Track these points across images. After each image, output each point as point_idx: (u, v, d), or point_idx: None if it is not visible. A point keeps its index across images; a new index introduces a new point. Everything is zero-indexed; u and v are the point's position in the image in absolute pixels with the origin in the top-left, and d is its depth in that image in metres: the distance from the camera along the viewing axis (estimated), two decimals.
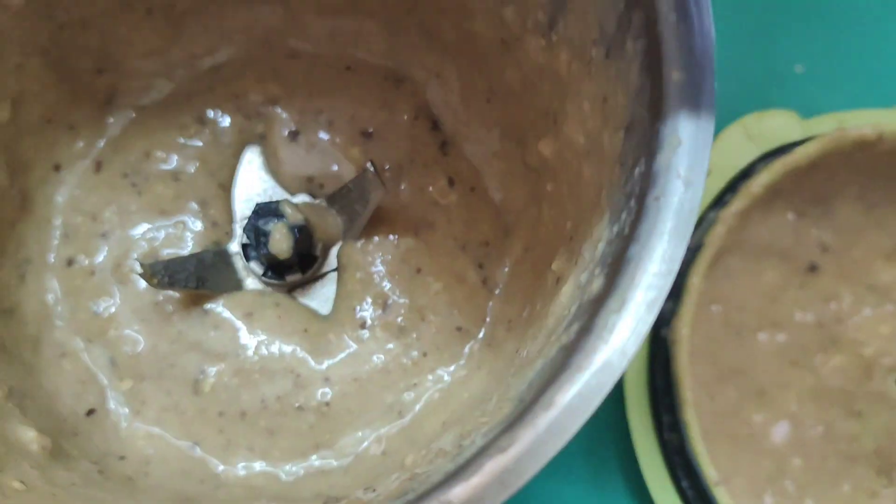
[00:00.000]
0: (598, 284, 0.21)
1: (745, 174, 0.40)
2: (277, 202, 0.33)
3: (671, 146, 0.20)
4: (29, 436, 0.28)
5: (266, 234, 0.32)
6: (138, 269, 0.32)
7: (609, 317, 0.19)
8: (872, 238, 0.41)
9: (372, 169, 0.31)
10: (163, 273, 0.31)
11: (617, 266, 0.20)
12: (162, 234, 0.34)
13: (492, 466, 0.18)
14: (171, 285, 0.31)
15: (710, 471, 0.36)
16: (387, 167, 0.34)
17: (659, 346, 0.37)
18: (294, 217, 0.32)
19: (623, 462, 0.39)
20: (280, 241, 0.32)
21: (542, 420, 0.18)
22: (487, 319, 0.33)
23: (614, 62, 0.24)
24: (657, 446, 0.38)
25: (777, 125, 0.42)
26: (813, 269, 0.41)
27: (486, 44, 0.33)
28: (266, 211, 0.33)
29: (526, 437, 0.18)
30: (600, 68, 0.25)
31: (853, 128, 0.38)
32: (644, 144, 0.22)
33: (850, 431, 0.40)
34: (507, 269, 0.33)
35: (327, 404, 0.32)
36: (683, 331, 0.36)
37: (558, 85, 0.29)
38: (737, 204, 0.38)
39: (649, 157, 0.21)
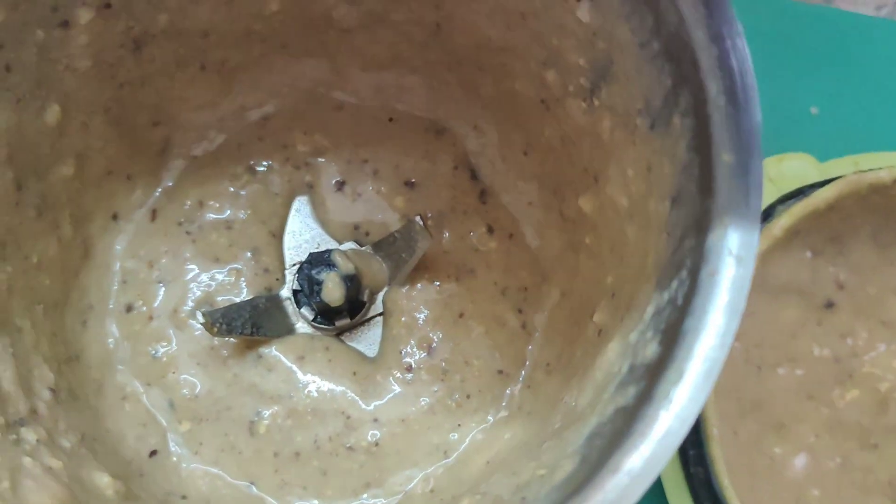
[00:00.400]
0: (652, 350, 0.23)
1: (766, 215, 0.42)
2: (329, 252, 0.34)
3: (722, 225, 0.22)
4: (104, 481, 0.29)
5: (319, 283, 0.34)
6: (199, 318, 0.33)
7: (669, 387, 0.21)
8: (886, 276, 0.43)
9: (419, 221, 0.32)
10: (221, 321, 0.33)
11: (672, 336, 0.22)
12: (217, 280, 0.35)
13: None
14: (229, 332, 0.33)
15: (735, 503, 0.38)
16: (429, 215, 0.36)
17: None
18: (345, 267, 0.34)
19: (651, 494, 0.41)
20: (333, 290, 0.33)
21: (611, 485, 0.20)
22: (527, 363, 0.35)
23: (660, 135, 0.26)
24: (683, 479, 0.40)
25: (795, 168, 0.43)
26: (829, 305, 0.42)
27: (526, 102, 0.34)
28: (318, 260, 0.34)
29: (595, 501, 0.20)
30: (645, 138, 0.27)
31: (869, 172, 0.39)
32: (693, 219, 0.23)
33: (865, 463, 0.41)
34: (545, 315, 0.35)
35: (376, 444, 0.33)
36: None
37: (600, 147, 0.31)
38: (758, 245, 0.39)
39: (700, 233, 0.22)
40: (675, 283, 0.24)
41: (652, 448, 0.20)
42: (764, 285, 0.42)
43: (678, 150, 0.25)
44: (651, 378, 0.22)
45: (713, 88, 0.23)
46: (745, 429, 0.41)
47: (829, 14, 0.48)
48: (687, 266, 0.23)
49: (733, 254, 0.21)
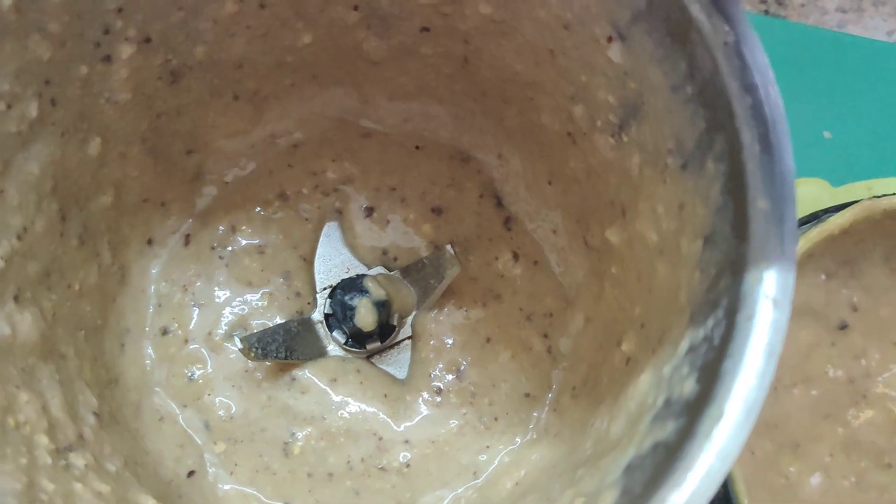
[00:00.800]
0: (690, 388, 0.24)
1: None
2: (362, 278, 0.35)
3: (758, 269, 0.22)
4: (148, 503, 0.30)
5: (352, 308, 0.35)
6: (238, 343, 0.34)
7: (710, 425, 0.21)
8: None
9: (451, 250, 0.33)
10: (257, 346, 0.34)
11: (711, 375, 0.22)
12: (249, 304, 0.36)
13: None
14: (264, 357, 0.34)
15: None
16: (456, 242, 0.37)
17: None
18: (377, 293, 0.35)
19: None
20: (366, 316, 0.34)
21: None
22: (553, 386, 0.36)
23: (692, 176, 0.27)
24: None
25: (809, 193, 0.44)
26: (843, 327, 0.43)
27: (552, 134, 0.35)
28: (351, 286, 0.35)
29: None
30: (676, 178, 0.28)
31: (884, 197, 0.40)
32: (728, 260, 0.24)
33: (880, 482, 0.42)
34: (570, 340, 0.36)
35: (408, 465, 0.34)
36: None
37: (628, 182, 0.32)
38: None
39: (735, 275, 0.23)
40: (710, 322, 0.24)
41: (695, 485, 0.21)
42: None
43: (712, 192, 0.26)
44: (691, 415, 0.22)
45: (747, 136, 0.23)
46: (762, 448, 0.42)
47: (843, 39, 0.49)
48: (723, 306, 0.24)
49: (770, 297, 0.22)
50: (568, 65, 0.33)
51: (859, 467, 0.42)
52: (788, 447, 0.42)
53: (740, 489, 0.38)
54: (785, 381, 0.43)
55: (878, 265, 0.44)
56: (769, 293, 0.22)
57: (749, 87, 0.24)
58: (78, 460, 0.30)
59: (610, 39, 0.29)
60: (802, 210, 0.44)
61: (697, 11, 0.24)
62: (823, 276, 0.43)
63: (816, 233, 0.41)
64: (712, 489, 0.21)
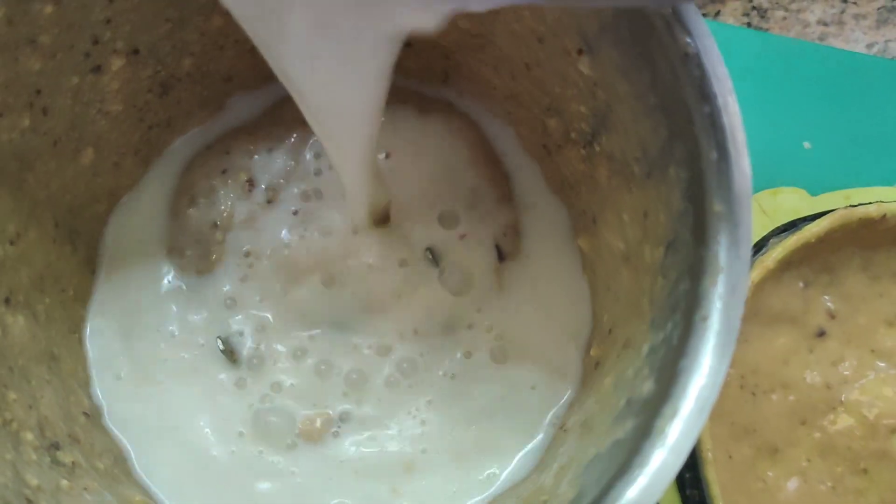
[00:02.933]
0: (648, 388, 0.25)
1: (760, 247, 0.44)
2: None
3: (713, 272, 0.23)
4: (136, 499, 0.31)
5: None
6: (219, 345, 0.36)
7: (664, 422, 0.22)
8: (876, 306, 0.44)
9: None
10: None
11: (668, 375, 0.23)
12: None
13: None
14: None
15: None
16: None
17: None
18: None
19: None
20: None
21: None
22: None
23: (656, 184, 0.28)
24: (679, 501, 0.42)
25: (788, 202, 0.45)
26: (821, 334, 0.44)
27: (529, 147, 0.36)
28: None
29: None
30: (641, 186, 0.29)
31: (860, 206, 0.41)
32: (687, 264, 0.25)
33: (856, 487, 0.43)
34: None
35: None
36: None
37: (597, 192, 0.33)
38: (752, 276, 0.41)
39: (694, 279, 0.24)
40: (669, 325, 0.25)
41: (648, 480, 0.22)
42: (758, 314, 0.43)
43: (673, 198, 0.27)
44: (647, 414, 0.23)
45: (705, 143, 0.24)
46: (740, 453, 0.43)
47: (823, 52, 0.49)
48: (681, 309, 0.25)
49: (724, 299, 0.23)
50: (543, 76, 0.34)
51: (836, 472, 0.43)
52: (766, 452, 0.43)
53: (716, 493, 0.39)
54: (763, 386, 0.44)
55: (855, 274, 0.44)
56: (723, 294, 0.23)
57: (707, 97, 0.25)
58: (65, 458, 0.31)
59: (580, 52, 0.30)
60: (781, 218, 0.45)
61: (659, 24, 0.25)
62: (802, 284, 0.44)
63: (794, 240, 0.41)
64: (666, 482, 0.22)
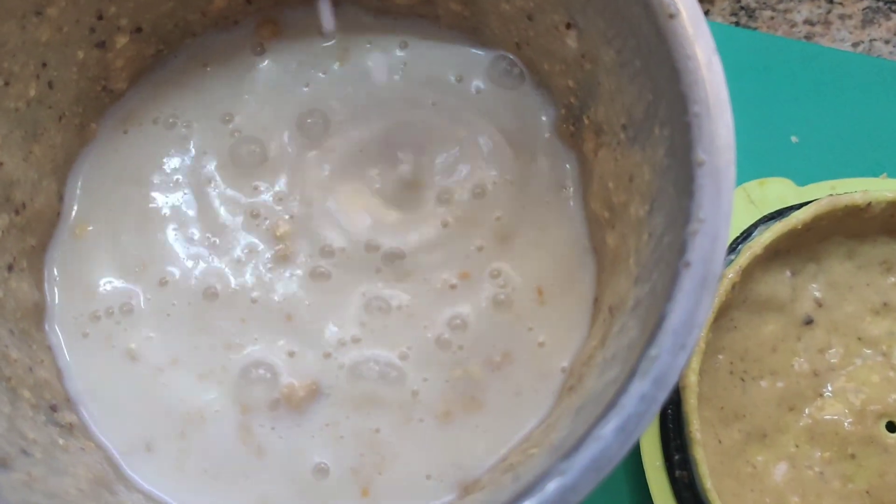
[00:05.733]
0: (633, 334, 0.25)
1: (747, 235, 0.45)
2: None
3: (697, 221, 0.24)
4: None
5: None
6: None
7: (649, 363, 0.23)
8: (862, 295, 0.45)
9: None
10: None
11: (653, 319, 0.24)
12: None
13: (554, 486, 0.22)
14: None
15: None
16: None
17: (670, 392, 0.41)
18: None
19: (636, 497, 0.43)
20: None
21: (595, 446, 0.22)
22: None
23: (641, 146, 0.29)
24: (668, 483, 0.42)
25: (775, 191, 0.46)
26: (809, 322, 0.45)
27: None
28: None
29: (584, 459, 0.22)
30: (627, 152, 0.30)
31: (844, 195, 0.42)
32: (671, 217, 0.26)
33: (844, 472, 0.43)
34: None
35: None
36: (692, 378, 0.40)
37: (584, 166, 0.34)
38: (740, 262, 0.42)
39: (677, 229, 0.25)
40: (654, 275, 0.26)
41: (630, 410, 0.22)
42: (747, 302, 0.44)
43: (657, 156, 0.27)
44: (633, 356, 0.24)
45: (690, 99, 0.25)
46: (729, 437, 0.44)
47: (810, 50, 0.51)
48: (665, 259, 0.25)
49: (704, 246, 0.24)
50: (532, 55, 0.35)
51: (823, 458, 0.44)
52: (755, 437, 0.44)
53: (703, 472, 0.40)
54: (752, 373, 0.44)
55: (842, 262, 0.45)
56: (704, 242, 0.24)
57: (691, 56, 0.26)
58: (63, 419, 0.32)
59: (568, 26, 0.31)
60: (769, 207, 0.45)
61: None
62: (789, 273, 0.45)
63: (780, 226, 0.42)
64: (651, 414, 0.22)
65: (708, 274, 0.24)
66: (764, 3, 0.52)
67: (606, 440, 0.22)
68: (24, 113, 0.33)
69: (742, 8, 0.52)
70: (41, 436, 0.29)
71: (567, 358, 0.34)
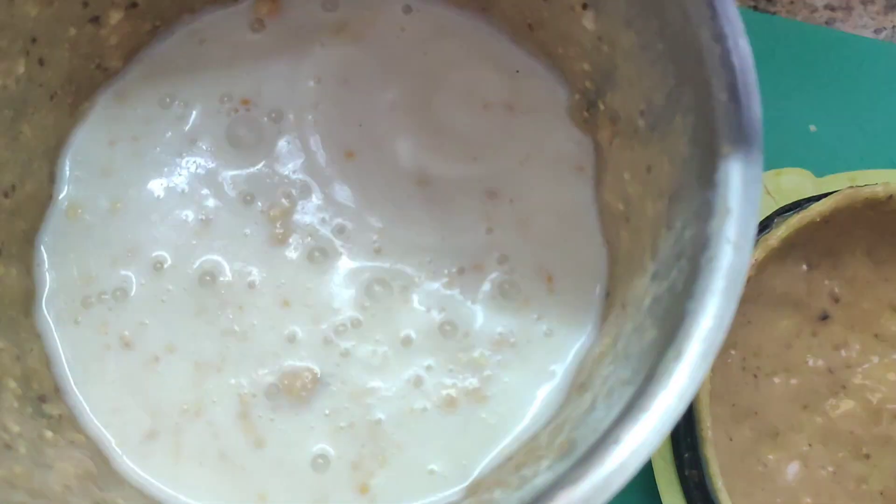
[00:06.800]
0: (650, 335, 0.24)
1: (764, 227, 0.43)
2: None
3: (721, 214, 0.23)
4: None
5: None
6: None
7: (668, 365, 0.22)
8: (880, 291, 0.44)
9: None
10: None
11: (672, 319, 0.23)
12: None
13: (564, 497, 0.21)
14: None
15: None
16: None
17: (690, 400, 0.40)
18: None
19: (644, 497, 0.42)
20: None
21: (611, 456, 0.21)
22: None
23: (660, 136, 0.27)
24: (678, 482, 0.41)
25: (793, 182, 0.45)
26: (824, 318, 0.44)
27: None
28: None
29: (596, 471, 0.21)
30: (645, 141, 0.29)
31: (865, 187, 0.41)
32: (693, 210, 0.24)
33: (858, 473, 0.42)
34: None
35: None
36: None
37: (598, 156, 0.33)
38: (755, 255, 0.41)
39: (700, 223, 0.24)
40: (674, 272, 0.25)
41: (649, 424, 0.21)
42: (761, 296, 0.43)
43: (679, 146, 0.26)
44: (651, 359, 0.23)
45: (716, 85, 0.24)
46: (741, 435, 0.43)
47: (830, 36, 0.49)
48: (686, 254, 0.24)
49: (731, 241, 0.22)
50: (546, 38, 0.33)
51: (837, 457, 0.42)
52: (767, 435, 0.43)
53: (714, 471, 0.39)
54: (766, 369, 0.43)
55: (860, 258, 0.44)
56: (731, 237, 0.23)
57: (718, 37, 0.24)
58: (52, 410, 0.30)
59: (585, 6, 0.30)
60: (785, 199, 0.44)
61: None
62: (805, 267, 0.44)
63: (797, 219, 0.41)
64: (668, 426, 0.21)
65: (734, 270, 0.22)
66: None
67: (621, 453, 0.21)
68: (13, 91, 0.31)
69: None
70: (27, 429, 0.28)
71: (575, 350, 0.33)
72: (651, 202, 0.28)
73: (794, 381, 0.43)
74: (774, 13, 0.51)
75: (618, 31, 0.29)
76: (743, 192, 0.23)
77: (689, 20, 0.25)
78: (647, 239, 0.28)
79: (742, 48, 0.24)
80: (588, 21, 0.30)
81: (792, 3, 0.51)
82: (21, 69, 0.31)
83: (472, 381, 0.33)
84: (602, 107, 0.32)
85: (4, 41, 0.30)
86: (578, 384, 0.31)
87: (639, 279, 0.28)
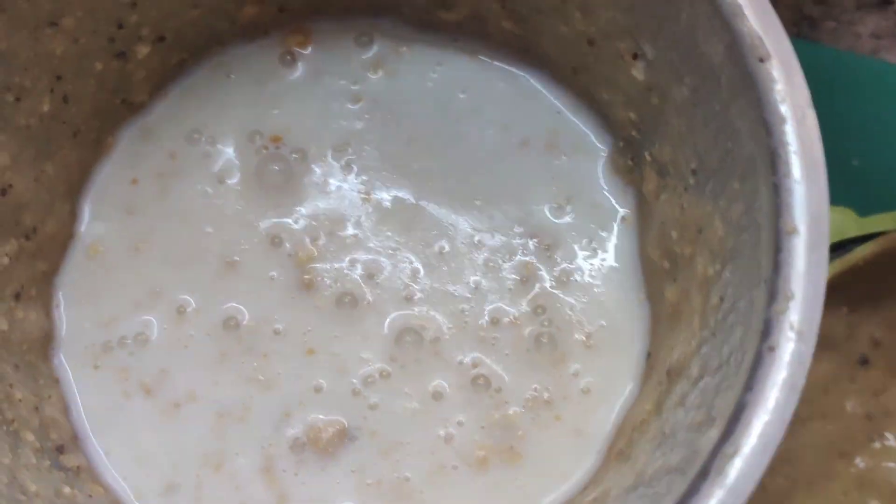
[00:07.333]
0: (701, 419, 0.23)
1: None
2: None
3: (784, 298, 0.22)
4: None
5: None
6: None
7: (724, 461, 0.20)
8: None
9: None
10: None
11: (728, 408, 0.22)
12: None
13: None
14: None
15: None
16: None
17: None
18: None
19: None
20: None
21: None
22: None
23: (713, 197, 0.26)
24: None
25: (834, 221, 0.43)
26: (864, 362, 0.42)
27: None
28: None
29: None
30: (695, 200, 0.27)
31: None
32: (749, 285, 0.23)
33: None
34: None
35: None
36: None
37: (643, 206, 0.31)
38: None
39: (759, 303, 0.22)
40: (726, 350, 0.23)
41: None
42: None
43: (734, 212, 0.25)
44: (703, 450, 0.22)
45: (781, 158, 0.23)
46: (774, 483, 0.41)
47: (876, 65, 0.48)
48: (741, 334, 0.23)
49: (795, 329, 0.21)
50: (589, 81, 0.32)
51: None
52: (802, 484, 0.41)
53: None
54: (801, 414, 0.41)
55: None
56: (794, 324, 0.21)
57: (783, 108, 0.23)
58: (70, 461, 0.30)
59: (635, 56, 0.29)
60: (830, 237, 0.43)
61: (739, 24, 0.24)
62: (845, 309, 0.42)
63: (839, 263, 0.39)
64: None
65: (797, 361, 0.21)
66: (827, 14, 0.49)
67: None
68: (36, 130, 0.30)
69: (804, 18, 0.49)
70: (44, 487, 0.27)
71: (616, 412, 0.31)
72: (702, 265, 0.27)
73: (830, 428, 0.42)
74: (817, 41, 0.49)
75: (669, 85, 0.28)
76: (807, 275, 0.22)
77: (750, 85, 0.23)
78: (697, 303, 0.27)
79: (809, 119, 0.23)
80: (638, 71, 0.29)
81: (835, 30, 0.49)
82: (45, 107, 0.30)
83: (505, 441, 0.31)
84: (648, 158, 0.31)
85: (28, 80, 0.29)
86: (618, 450, 0.29)
87: (685, 345, 0.27)
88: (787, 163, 0.22)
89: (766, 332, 0.21)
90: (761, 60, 0.23)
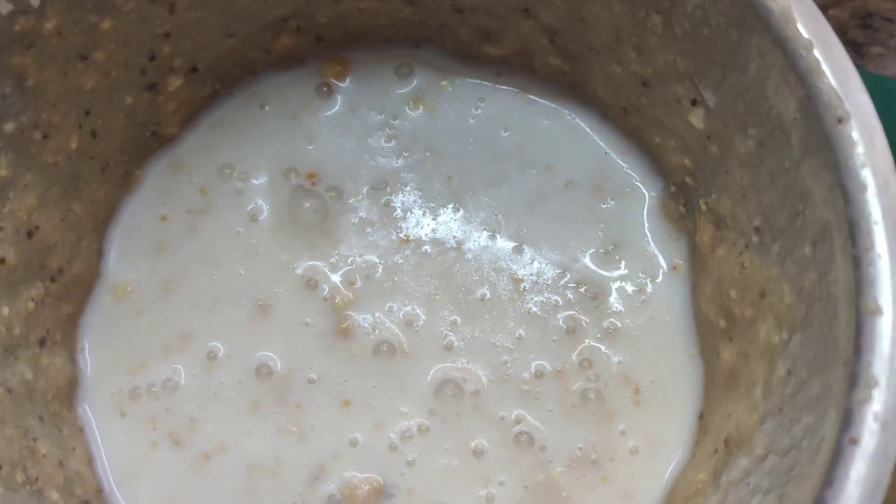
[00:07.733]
0: (771, 503, 0.21)
1: None
2: None
3: (866, 386, 0.20)
4: None
5: None
6: None
7: None
8: None
9: None
10: None
11: (801, 497, 0.20)
12: None
13: None
14: None
15: None
16: None
17: None
18: None
19: None
20: None
21: None
22: None
23: (780, 260, 0.24)
24: None
25: None
26: None
27: None
28: None
29: None
30: (759, 260, 0.26)
31: None
32: (826, 364, 0.22)
33: None
34: None
35: None
36: None
37: (696, 258, 0.30)
38: None
39: (836, 385, 0.21)
40: (798, 431, 0.22)
41: None
42: None
43: (805, 279, 0.23)
44: None
45: (863, 229, 0.21)
46: None
47: None
48: (816, 418, 0.21)
49: (879, 420, 0.20)
50: (642, 124, 0.31)
51: None
52: None
53: None
54: None
55: None
56: (878, 415, 0.20)
57: (864, 173, 0.21)
58: None
59: (694, 103, 0.27)
60: None
61: (815, 80, 0.22)
62: None
63: None
64: None
65: (880, 454, 0.19)
66: (873, 39, 0.47)
67: None
68: (63, 167, 0.29)
69: (849, 43, 0.47)
70: None
71: (667, 475, 0.30)
72: (765, 330, 0.25)
73: None
74: (862, 66, 0.47)
75: (732, 135, 0.26)
76: (892, 360, 0.20)
77: (826, 147, 0.22)
78: (759, 370, 0.25)
79: (893, 188, 0.21)
80: (696, 118, 0.27)
81: (881, 56, 0.47)
82: (74, 144, 0.29)
83: (550, 503, 0.30)
84: (703, 207, 0.29)
85: (57, 116, 0.28)
86: None
87: (746, 414, 0.25)
88: (868, 235, 0.21)
89: (847, 423, 0.20)
90: (840, 121, 0.22)
